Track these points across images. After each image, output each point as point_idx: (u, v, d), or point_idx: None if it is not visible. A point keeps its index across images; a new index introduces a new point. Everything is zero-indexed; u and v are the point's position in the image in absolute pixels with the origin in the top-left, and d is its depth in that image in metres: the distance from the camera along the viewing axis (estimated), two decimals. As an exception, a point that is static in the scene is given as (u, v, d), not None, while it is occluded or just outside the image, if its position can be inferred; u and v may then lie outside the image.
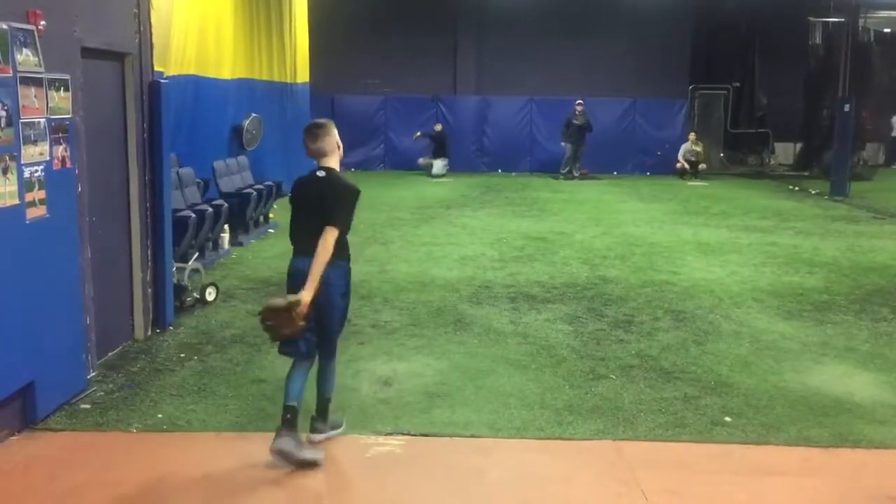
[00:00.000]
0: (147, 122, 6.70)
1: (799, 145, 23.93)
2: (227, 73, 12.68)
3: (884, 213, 15.08)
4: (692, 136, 20.93)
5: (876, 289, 9.05)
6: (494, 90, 22.19)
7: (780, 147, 24.37)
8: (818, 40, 22.89)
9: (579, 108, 20.14)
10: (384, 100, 21.95)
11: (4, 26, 4.66)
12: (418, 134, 20.45)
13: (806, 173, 21.81)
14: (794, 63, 23.03)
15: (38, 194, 5.00)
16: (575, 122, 20.07)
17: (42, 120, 5.04)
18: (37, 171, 4.99)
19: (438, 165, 20.19)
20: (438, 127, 20.62)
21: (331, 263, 4.43)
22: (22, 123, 4.83)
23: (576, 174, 20.32)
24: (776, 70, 23.40)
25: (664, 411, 5.46)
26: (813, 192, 18.38)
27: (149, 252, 6.81)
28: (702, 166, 20.55)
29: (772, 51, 23.29)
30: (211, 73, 11.99)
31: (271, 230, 12.12)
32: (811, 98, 23.07)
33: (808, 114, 23.19)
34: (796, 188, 19.26)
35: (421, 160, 20.57)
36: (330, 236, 4.40)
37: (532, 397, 5.67)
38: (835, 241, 12.00)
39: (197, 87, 11.39)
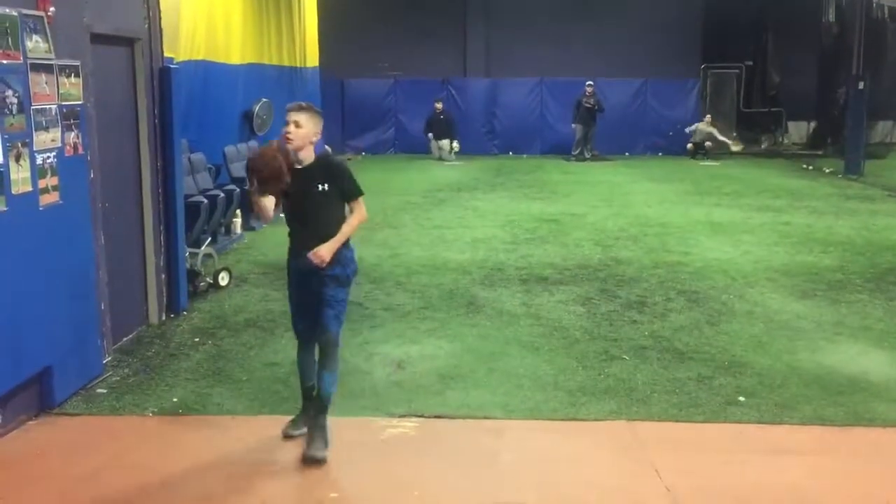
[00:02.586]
0: (158, 108, 6.71)
1: (812, 124, 23.72)
2: (236, 58, 12.65)
3: (899, 192, 14.96)
4: (707, 118, 20.78)
5: (891, 267, 8.98)
6: (504, 72, 22.04)
7: (793, 126, 24.16)
8: (831, 17, 22.60)
9: (590, 90, 20.02)
10: (394, 83, 21.87)
11: (14, 13, 4.66)
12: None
13: (819, 152, 21.62)
14: (806, 41, 22.77)
15: (51, 181, 5.02)
16: (586, 103, 19.96)
17: (53, 106, 5.06)
18: (49, 157, 5.01)
19: (446, 149, 20.06)
20: (439, 105, 20.35)
21: None
22: (33, 110, 4.84)
23: (587, 155, 20.22)
24: (789, 48, 23.15)
25: (678, 391, 5.46)
26: (827, 170, 18.24)
27: (161, 237, 6.84)
28: (710, 144, 20.36)
29: (784, 29, 23.04)
30: (221, 59, 11.96)
31: (283, 214, 12.10)
32: (825, 76, 22.83)
33: (822, 92, 22.95)
34: (810, 167, 19.12)
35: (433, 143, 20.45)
36: None
37: (545, 378, 5.67)
38: (849, 220, 11.92)
39: (207, 73, 11.37)
